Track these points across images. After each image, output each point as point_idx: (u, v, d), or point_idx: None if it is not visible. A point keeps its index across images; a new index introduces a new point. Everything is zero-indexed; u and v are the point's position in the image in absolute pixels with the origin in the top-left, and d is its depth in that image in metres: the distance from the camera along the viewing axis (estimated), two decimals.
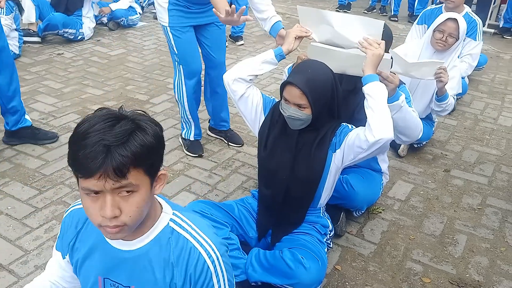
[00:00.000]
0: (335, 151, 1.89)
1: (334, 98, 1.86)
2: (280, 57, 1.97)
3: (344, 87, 2.19)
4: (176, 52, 2.73)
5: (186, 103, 2.89)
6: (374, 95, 1.75)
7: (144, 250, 1.13)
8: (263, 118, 2.02)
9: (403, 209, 2.55)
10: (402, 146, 3.08)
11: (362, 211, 2.41)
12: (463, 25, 2.83)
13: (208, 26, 2.79)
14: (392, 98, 1.99)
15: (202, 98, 3.08)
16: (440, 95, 2.79)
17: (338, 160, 1.89)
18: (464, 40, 3.66)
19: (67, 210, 1.25)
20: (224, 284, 1.15)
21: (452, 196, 2.70)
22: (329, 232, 2.07)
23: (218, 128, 3.18)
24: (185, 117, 2.96)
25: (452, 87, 2.91)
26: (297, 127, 1.85)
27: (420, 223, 2.45)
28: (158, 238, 1.13)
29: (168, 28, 2.67)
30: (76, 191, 2.51)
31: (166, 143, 3.22)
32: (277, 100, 2.04)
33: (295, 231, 2.02)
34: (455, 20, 2.82)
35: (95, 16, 5.11)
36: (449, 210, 2.57)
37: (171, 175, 2.73)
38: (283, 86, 1.82)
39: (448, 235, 2.36)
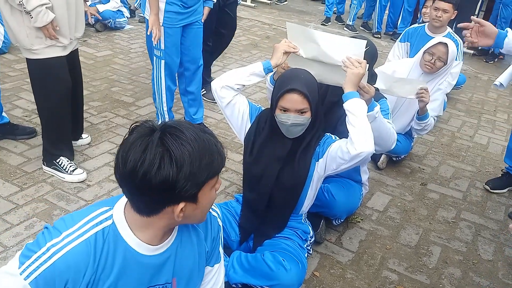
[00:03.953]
0: (318, 160, 1.95)
1: (319, 100, 1.93)
2: (268, 70, 2.01)
3: (328, 99, 2.26)
4: (163, 48, 2.89)
5: (164, 96, 3.09)
6: (355, 111, 1.81)
7: (177, 242, 1.20)
8: (249, 125, 2.06)
9: (381, 220, 2.62)
10: (381, 158, 3.16)
11: (342, 220, 2.47)
12: (452, 51, 2.91)
13: (191, 24, 2.96)
14: (368, 108, 2.05)
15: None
16: (421, 114, 2.89)
17: (320, 168, 1.95)
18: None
19: (47, 263, 1.04)
20: (222, 235, 1.38)
21: (428, 209, 2.78)
22: (309, 238, 2.12)
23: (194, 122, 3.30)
24: (161, 109, 3.14)
25: (434, 109, 3.01)
26: (297, 134, 1.89)
27: (396, 233, 2.52)
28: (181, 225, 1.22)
29: (162, 28, 2.80)
30: (57, 190, 2.50)
31: None
32: (264, 108, 2.08)
33: (276, 235, 2.06)
34: (445, 44, 2.89)
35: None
36: (424, 222, 2.65)
37: None
38: (279, 97, 1.83)
39: (423, 246, 2.44)
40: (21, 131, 2.97)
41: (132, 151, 1.00)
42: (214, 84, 2.02)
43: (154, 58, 2.98)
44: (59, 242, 1.06)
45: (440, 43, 2.92)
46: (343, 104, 1.85)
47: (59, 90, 2.47)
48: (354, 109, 1.81)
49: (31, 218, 2.27)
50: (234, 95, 2.02)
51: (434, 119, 3.03)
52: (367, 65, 1.96)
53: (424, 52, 2.99)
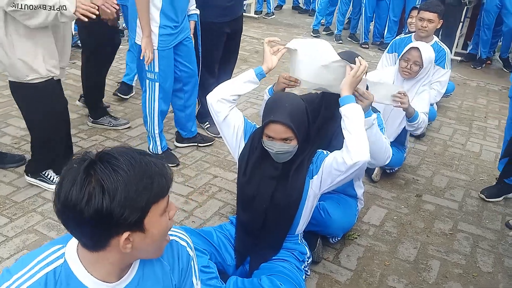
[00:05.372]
0: (312, 178, 1.93)
1: (309, 123, 1.91)
2: (261, 75, 2.00)
3: (323, 114, 2.25)
4: (157, 71, 2.89)
5: (156, 119, 3.07)
6: (351, 116, 1.80)
7: (138, 277, 1.14)
8: (243, 143, 2.05)
9: (378, 235, 2.59)
10: (375, 171, 3.15)
11: (339, 238, 2.44)
12: (426, 53, 2.94)
13: (182, 41, 2.98)
14: (365, 114, 2.03)
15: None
16: (409, 117, 2.88)
17: (315, 186, 1.93)
18: (434, 68, 3.82)
19: None
20: (195, 264, 1.32)
21: (424, 221, 2.76)
22: (306, 259, 2.09)
23: (190, 136, 3.40)
24: (152, 132, 3.11)
25: (423, 108, 2.98)
26: (285, 159, 1.88)
27: (394, 248, 2.49)
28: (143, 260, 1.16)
29: (156, 51, 2.81)
30: (48, 219, 2.45)
31: None
32: (258, 126, 2.07)
33: (273, 258, 2.02)
34: (417, 48, 2.95)
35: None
36: (422, 235, 2.62)
37: None
38: (264, 125, 1.84)
39: (422, 261, 2.41)
40: (10, 159, 2.92)
41: (63, 185, 0.97)
42: (209, 98, 2.01)
43: (147, 81, 2.97)
44: (10, 286, 1.03)
45: (412, 48, 2.98)
46: (340, 109, 1.83)
47: (58, 108, 2.45)
48: (351, 114, 1.80)
49: (22, 250, 2.22)
50: (230, 109, 2.01)
51: (425, 115, 3.01)
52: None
53: (399, 60, 3.06)
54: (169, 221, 1.09)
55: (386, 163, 2.30)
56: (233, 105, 2.02)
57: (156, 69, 2.88)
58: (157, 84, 2.94)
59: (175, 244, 1.24)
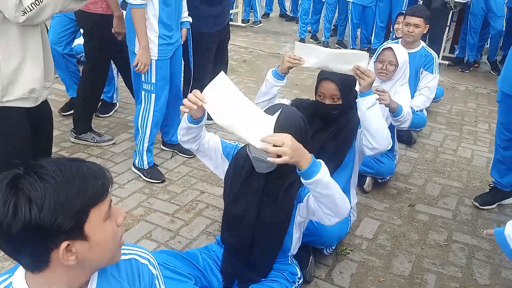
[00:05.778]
0: (299, 203, 1.84)
1: (305, 143, 1.81)
2: (197, 121, 1.79)
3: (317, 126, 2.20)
4: (154, 82, 2.86)
5: (148, 132, 3.00)
6: (327, 185, 1.58)
7: None
8: (227, 164, 1.97)
9: (371, 249, 2.51)
10: (367, 181, 3.07)
11: (333, 247, 2.36)
12: (399, 52, 2.91)
13: (175, 51, 2.95)
14: (366, 93, 2.07)
15: None
16: (393, 112, 2.81)
17: (302, 212, 1.84)
18: (421, 73, 3.78)
19: None
20: (162, 283, 1.24)
21: (418, 232, 2.69)
22: (297, 280, 1.99)
23: (171, 143, 3.41)
24: (141, 146, 3.03)
25: (406, 104, 2.92)
26: (264, 170, 1.79)
27: (388, 263, 2.41)
28: (100, 278, 1.08)
29: (154, 62, 2.78)
30: None
31: (126, 185, 3.04)
32: (241, 146, 1.98)
33: (262, 279, 1.93)
34: (390, 48, 2.93)
35: None
36: (416, 247, 2.54)
37: (131, 221, 2.59)
38: None
39: (417, 275, 2.32)
40: None
41: None
42: (179, 140, 1.94)
43: (143, 92, 2.91)
44: None
45: (384, 49, 2.96)
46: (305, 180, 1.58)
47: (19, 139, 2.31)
48: (328, 183, 1.58)
49: None
50: (197, 144, 1.92)
51: (409, 108, 2.95)
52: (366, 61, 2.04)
53: (374, 63, 3.03)
54: (117, 228, 1.03)
55: (387, 149, 2.23)
56: (197, 141, 1.90)
57: (153, 80, 2.84)
58: (153, 95, 2.90)
59: (134, 262, 1.17)
